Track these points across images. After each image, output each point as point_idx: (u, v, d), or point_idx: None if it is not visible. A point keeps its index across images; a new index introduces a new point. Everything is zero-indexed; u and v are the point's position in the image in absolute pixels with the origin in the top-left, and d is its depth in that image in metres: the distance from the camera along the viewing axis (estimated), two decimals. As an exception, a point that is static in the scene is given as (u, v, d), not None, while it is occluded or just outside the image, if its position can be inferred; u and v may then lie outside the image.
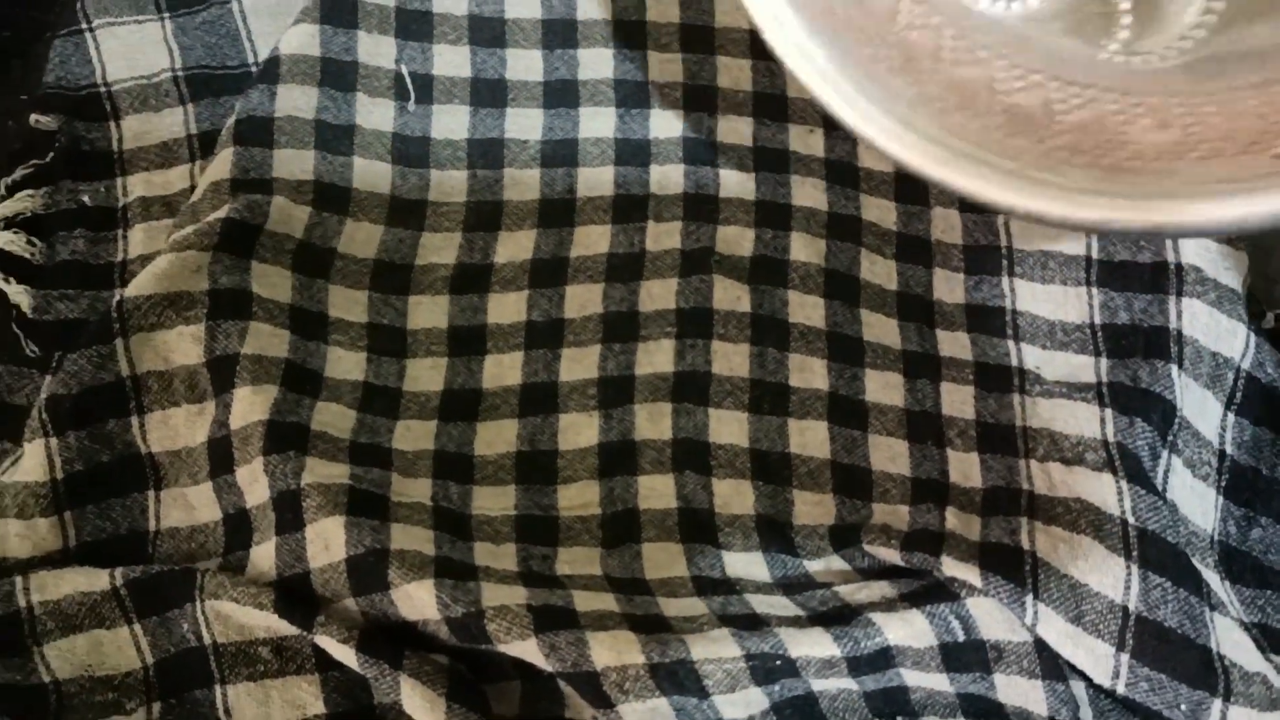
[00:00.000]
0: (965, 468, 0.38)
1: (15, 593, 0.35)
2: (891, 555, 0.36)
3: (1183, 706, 0.33)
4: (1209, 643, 0.33)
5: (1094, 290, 0.40)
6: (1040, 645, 0.34)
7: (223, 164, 0.40)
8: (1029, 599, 0.34)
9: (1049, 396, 0.38)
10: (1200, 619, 0.34)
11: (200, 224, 0.39)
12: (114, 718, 0.34)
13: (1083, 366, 0.39)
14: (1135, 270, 0.40)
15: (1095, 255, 0.41)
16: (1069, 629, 0.34)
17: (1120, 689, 0.33)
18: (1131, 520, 0.35)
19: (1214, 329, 0.38)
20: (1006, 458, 0.38)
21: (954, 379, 0.40)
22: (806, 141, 0.44)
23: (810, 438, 0.39)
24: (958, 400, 0.39)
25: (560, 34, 0.45)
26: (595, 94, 0.44)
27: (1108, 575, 0.34)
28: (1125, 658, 0.33)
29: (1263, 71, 0.35)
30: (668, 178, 0.43)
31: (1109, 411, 0.37)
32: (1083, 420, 0.37)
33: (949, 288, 0.41)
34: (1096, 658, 0.33)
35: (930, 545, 0.35)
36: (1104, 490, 0.35)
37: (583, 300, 0.41)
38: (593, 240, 0.43)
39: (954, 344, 0.40)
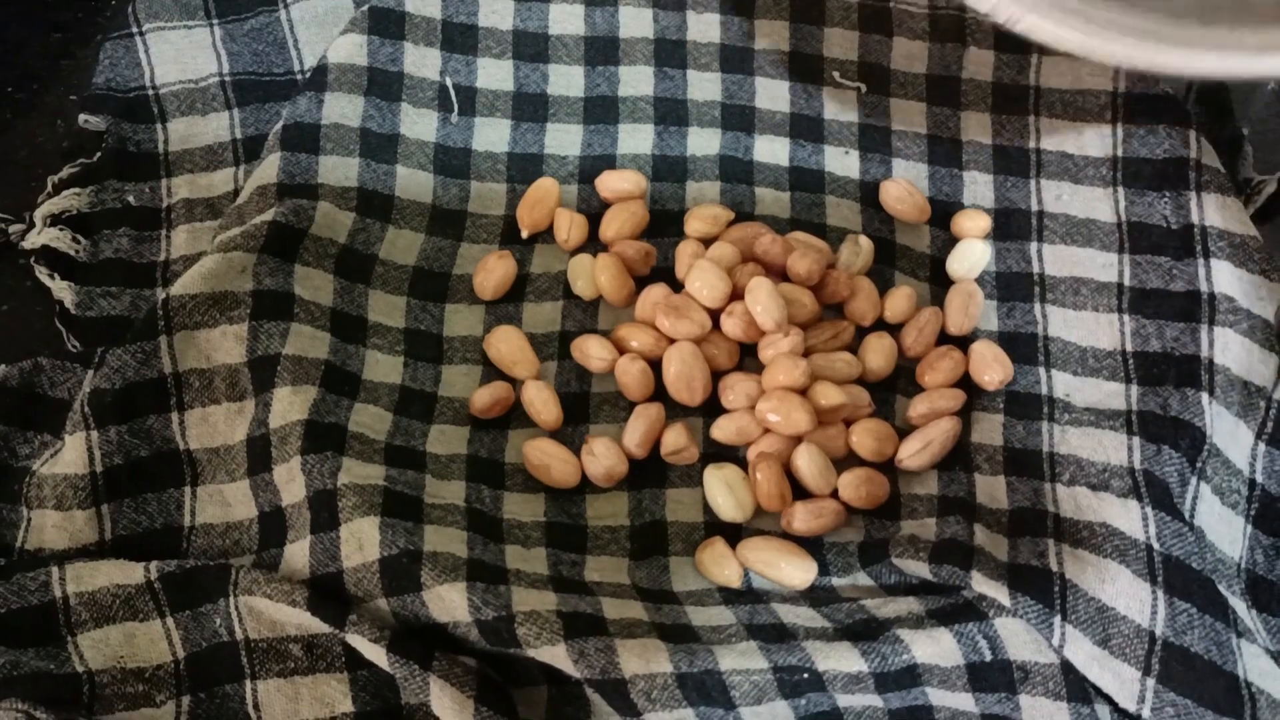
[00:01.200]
0: (992, 490, 0.38)
1: (51, 582, 0.35)
2: (920, 568, 0.36)
3: None
4: (1236, 670, 0.33)
5: (1126, 317, 0.41)
6: (1067, 667, 0.34)
7: (270, 168, 0.41)
8: (1057, 620, 0.34)
9: (1078, 425, 0.38)
10: (1227, 646, 0.34)
11: (246, 226, 0.40)
12: (144, 709, 0.34)
13: (1113, 393, 0.39)
14: (1167, 298, 0.40)
15: (1127, 283, 0.41)
16: (1096, 652, 0.34)
17: (1146, 714, 0.33)
18: (1156, 546, 0.35)
19: (1246, 358, 0.39)
20: (1032, 480, 0.38)
21: (984, 407, 0.40)
22: (843, 163, 0.44)
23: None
24: (986, 428, 0.39)
25: (602, 51, 0.45)
26: (635, 111, 0.45)
27: (1134, 600, 0.34)
28: (1151, 682, 0.33)
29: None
30: (704, 195, 0.44)
31: (1136, 439, 0.37)
32: (1110, 448, 0.37)
33: (982, 315, 0.42)
34: (1123, 682, 0.34)
35: (959, 558, 0.35)
36: (1129, 516, 0.35)
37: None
38: None
39: None
